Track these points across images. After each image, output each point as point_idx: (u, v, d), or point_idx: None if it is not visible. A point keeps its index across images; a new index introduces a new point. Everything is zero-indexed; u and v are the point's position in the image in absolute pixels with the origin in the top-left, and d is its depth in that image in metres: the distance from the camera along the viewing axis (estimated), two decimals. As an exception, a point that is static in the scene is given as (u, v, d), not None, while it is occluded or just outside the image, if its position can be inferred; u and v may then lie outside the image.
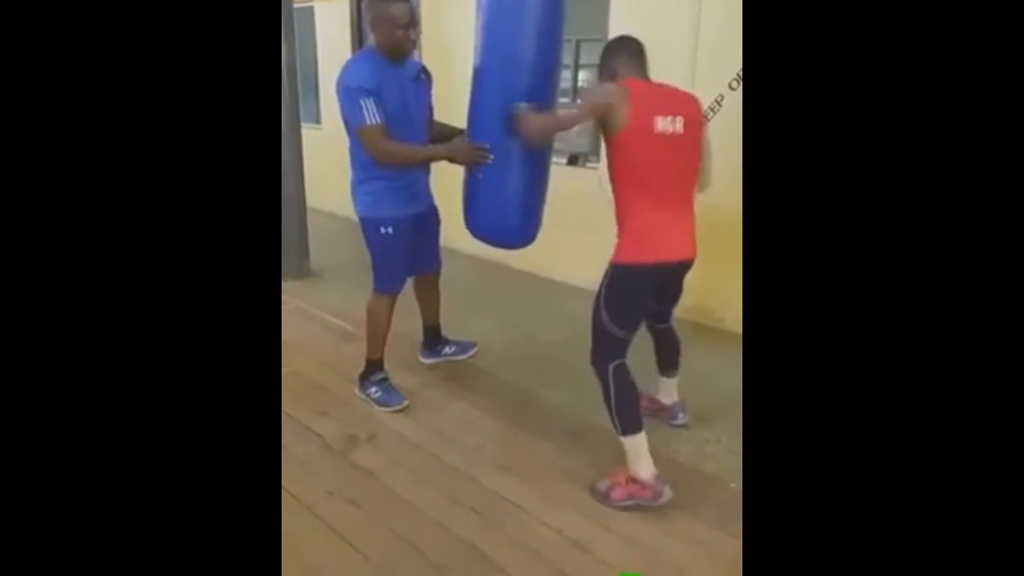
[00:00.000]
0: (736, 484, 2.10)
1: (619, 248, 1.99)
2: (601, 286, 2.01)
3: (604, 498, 2.02)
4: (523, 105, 2.12)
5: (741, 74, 2.96)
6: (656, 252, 1.96)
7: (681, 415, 2.46)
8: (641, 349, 2.25)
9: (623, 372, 2.01)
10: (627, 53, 2.03)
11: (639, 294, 2.02)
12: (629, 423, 1.97)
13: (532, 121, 2.09)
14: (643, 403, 2.37)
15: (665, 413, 2.46)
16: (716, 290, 3.18)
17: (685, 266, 2.05)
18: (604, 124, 1.92)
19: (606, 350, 2.01)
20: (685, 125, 1.91)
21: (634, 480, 1.99)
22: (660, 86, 2.01)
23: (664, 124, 1.88)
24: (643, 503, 1.98)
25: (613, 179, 1.99)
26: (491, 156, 2.24)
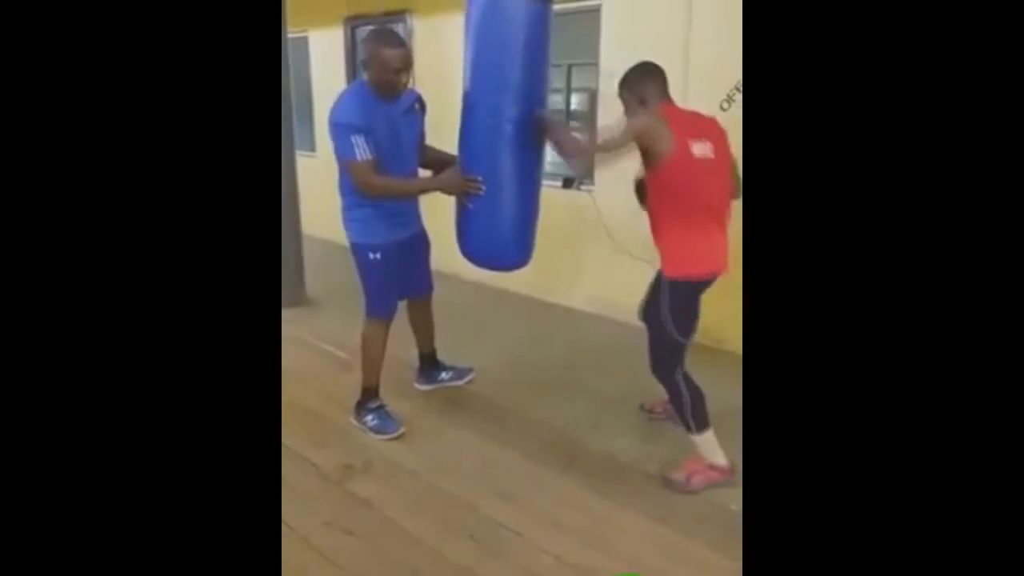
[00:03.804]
0: (735, 506, 2.08)
1: (672, 264, 2.10)
2: (661, 303, 2.12)
3: (684, 487, 2.17)
4: (544, 113, 2.15)
5: (731, 95, 2.99)
6: (705, 265, 2.10)
7: None
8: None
9: (689, 377, 2.16)
10: (655, 79, 2.10)
11: (696, 302, 2.15)
12: (702, 421, 2.15)
13: (571, 144, 2.12)
14: (659, 408, 2.62)
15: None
16: (713, 309, 3.17)
17: (716, 277, 2.16)
18: (646, 150, 2.00)
19: (674, 360, 2.15)
20: (714, 149, 2.02)
21: (712, 467, 2.17)
22: (690, 112, 2.11)
23: (699, 149, 1.99)
24: (721, 484, 2.16)
25: (655, 200, 2.09)
26: (483, 188, 2.25)
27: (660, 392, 2.32)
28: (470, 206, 2.31)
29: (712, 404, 2.19)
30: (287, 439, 2.46)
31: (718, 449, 2.17)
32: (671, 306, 2.10)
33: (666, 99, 2.10)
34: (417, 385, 2.93)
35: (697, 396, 2.14)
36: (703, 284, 2.12)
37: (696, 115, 2.10)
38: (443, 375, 2.94)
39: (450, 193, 2.35)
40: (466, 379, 2.96)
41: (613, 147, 2.04)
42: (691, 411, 2.13)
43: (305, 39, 5.53)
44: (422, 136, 2.54)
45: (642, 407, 2.77)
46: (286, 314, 3.90)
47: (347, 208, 2.46)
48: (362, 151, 2.24)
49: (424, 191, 2.42)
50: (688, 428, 2.16)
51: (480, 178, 2.25)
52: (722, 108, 3.03)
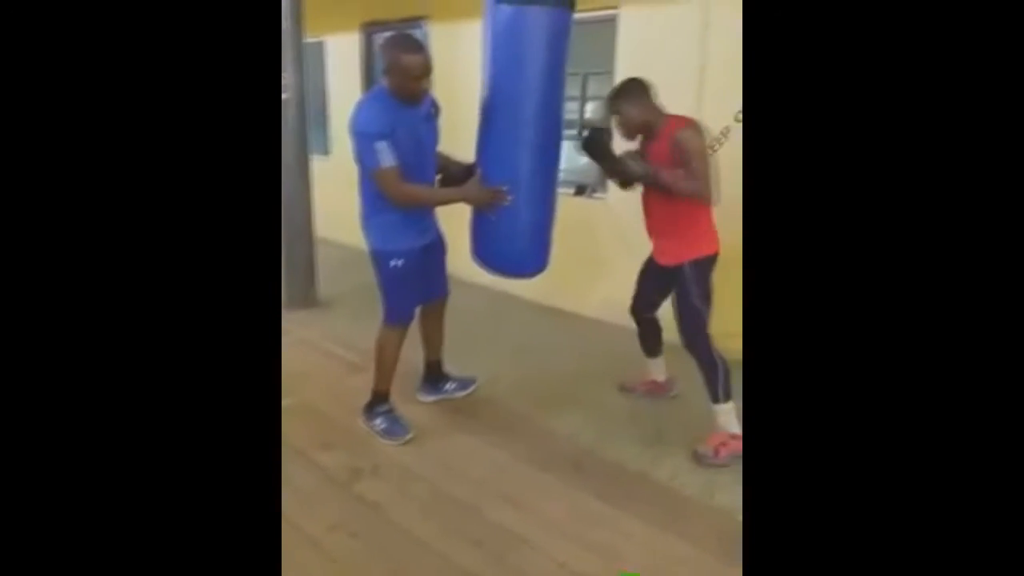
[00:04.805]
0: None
1: (698, 247, 2.35)
2: (686, 289, 2.37)
3: (712, 459, 2.37)
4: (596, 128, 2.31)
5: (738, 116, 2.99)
6: (715, 243, 2.39)
7: (675, 388, 2.90)
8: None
9: (718, 350, 2.38)
10: (649, 92, 2.34)
11: (711, 277, 2.39)
12: (729, 391, 2.36)
13: (689, 188, 2.24)
14: (641, 386, 2.87)
15: (662, 390, 2.90)
16: (725, 321, 3.16)
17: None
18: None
19: (706, 334, 2.38)
20: None
21: (733, 437, 2.37)
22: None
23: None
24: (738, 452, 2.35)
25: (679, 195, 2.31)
26: (509, 199, 2.28)
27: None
28: (493, 217, 2.32)
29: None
30: (295, 441, 2.48)
31: (736, 419, 2.37)
32: (698, 285, 2.34)
33: (657, 106, 2.34)
34: (420, 396, 2.89)
35: (726, 368, 2.34)
36: (714, 260, 2.38)
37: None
38: (447, 386, 2.90)
39: (474, 204, 2.36)
40: (469, 390, 2.92)
41: (705, 173, 2.24)
42: (723, 380, 2.34)
43: (321, 44, 5.57)
44: (437, 140, 2.54)
45: (622, 388, 2.97)
46: (297, 316, 3.93)
47: (367, 215, 2.45)
48: (386, 157, 2.22)
49: (449, 202, 2.42)
50: (715, 398, 2.37)
51: (505, 189, 2.27)
52: (736, 120, 3.03)
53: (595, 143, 2.34)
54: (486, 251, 2.45)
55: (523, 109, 2.21)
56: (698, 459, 2.40)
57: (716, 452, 2.38)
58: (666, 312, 2.58)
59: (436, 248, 2.64)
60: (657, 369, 2.87)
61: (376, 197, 2.36)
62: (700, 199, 2.27)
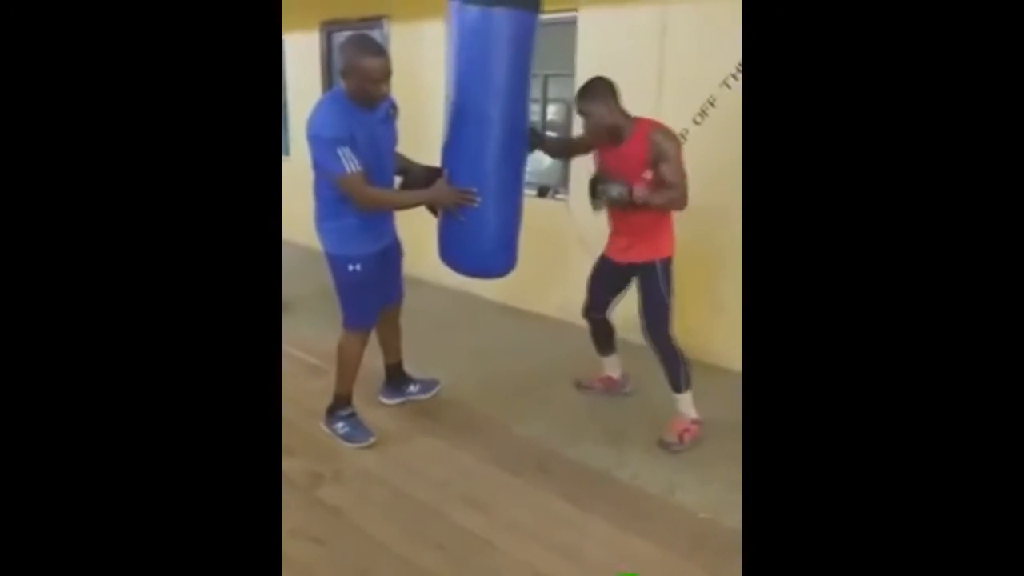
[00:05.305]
0: (704, 514, 2.10)
1: (666, 247, 2.47)
2: (655, 284, 2.45)
3: (678, 445, 2.49)
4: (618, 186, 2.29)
5: (705, 109, 3.03)
6: (674, 245, 2.50)
7: (628, 385, 2.96)
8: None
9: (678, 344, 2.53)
10: (613, 92, 2.33)
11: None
12: (689, 381, 2.51)
13: (670, 202, 2.32)
14: (597, 383, 2.91)
15: (617, 386, 2.95)
16: (686, 319, 3.20)
17: None
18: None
19: (669, 326, 2.48)
20: None
21: (693, 422, 2.52)
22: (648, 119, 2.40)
23: None
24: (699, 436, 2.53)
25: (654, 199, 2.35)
26: (478, 200, 2.26)
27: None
28: (462, 218, 2.31)
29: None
30: (255, 446, 2.43)
31: (692, 405, 2.53)
32: (666, 281, 2.45)
33: (623, 108, 2.35)
34: (383, 399, 2.85)
35: (685, 360, 2.50)
36: (672, 259, 2.50)
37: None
38: (411, 388, 2.87)
39: (442, 206, 2.34)
40: (432, 392, 2.89)
41: (680, 179, 2.30)
42: (683, 373, 2.48)
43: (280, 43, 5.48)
44: (395, 141, 2.51)
45: (579, 385, 3.00)
46: (256, 319, 3.86)
47: (323, 218, 2.40)
48: (351, 163, 2.17)
49: (418, 204, 2.38)
50: (677, 388, 2.51)
51: (475, 190, 2.26)
52: (695, 122, 3.07)
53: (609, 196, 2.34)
54: (454, 253, 2.44)
55: (489, 111, 2.21)
56: (665, 447, 2.49)
57: (680, 438, 2.50)
58: (620, 312, 2.61)
59: (392, 252, 2.61)
60: (611, 366, 2.92)
61: (334, 201, 2.32)
62: (677, 208, 2.34)
